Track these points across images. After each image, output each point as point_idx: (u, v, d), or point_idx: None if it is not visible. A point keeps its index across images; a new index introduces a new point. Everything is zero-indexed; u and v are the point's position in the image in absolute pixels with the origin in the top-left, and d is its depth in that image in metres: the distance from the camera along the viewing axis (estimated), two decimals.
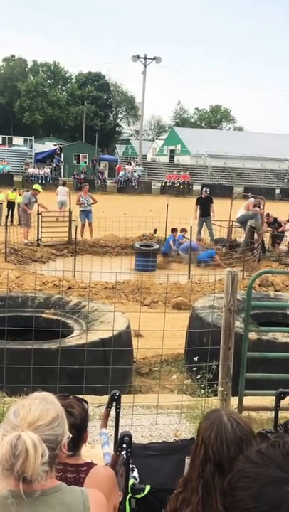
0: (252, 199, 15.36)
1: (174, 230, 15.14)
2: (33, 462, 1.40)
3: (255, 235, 15.58)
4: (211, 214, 17.05)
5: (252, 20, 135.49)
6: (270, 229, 15.76)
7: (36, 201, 15.93)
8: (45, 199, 20.46)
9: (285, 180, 47.88)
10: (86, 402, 2.43)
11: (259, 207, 15.08)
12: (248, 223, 14.81)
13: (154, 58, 45.06)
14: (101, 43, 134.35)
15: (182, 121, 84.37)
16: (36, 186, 16.66)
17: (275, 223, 15.71)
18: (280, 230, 15.52)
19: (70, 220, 15.60)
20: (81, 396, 4.26)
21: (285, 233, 15.46)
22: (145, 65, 45.21)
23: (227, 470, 1.53)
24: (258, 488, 0.95)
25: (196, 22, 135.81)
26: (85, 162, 44.38)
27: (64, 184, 23.08)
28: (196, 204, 17.22)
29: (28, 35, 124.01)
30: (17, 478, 1.42)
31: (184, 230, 15.20)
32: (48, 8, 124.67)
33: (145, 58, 45.00)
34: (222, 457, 1.57)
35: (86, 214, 16.67)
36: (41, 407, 1.52)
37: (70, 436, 1.61)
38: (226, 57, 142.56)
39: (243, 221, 15.28)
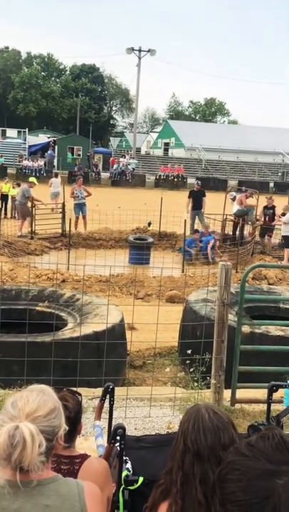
0: (242, 194, 15.50)
1: (196, 232, 14.98)
2: (30, 452, 1.42)
3: (249, 229, 15.63)
4: (203, 207, 17.06)
5: (247, 13, 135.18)
6: (260, 222, 15.76)
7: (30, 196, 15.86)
8: (40, 191, 20.40)
9: (279, 174, 47.91)
10: (80, 394, 2.45)
11: (252, 198, 15.16)
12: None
13: (149, 51, 44.86)
14: (95, 35, 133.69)
15: (176, 114, 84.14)
16: (32, 179, 16.59)
17: (272, 209, 15.69)
18: (273, 223, 15.51)
19: (64, 213, 15.58)
20: (75, 388, 4.29)
21: (278, 226, 15.45)
22: (140, 58, 45.02)
23: (206, 458, 1.58)
24: (248, 481, 0.96)
25: (191, 15, 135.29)
26: (72, 154, 44.12)
27: (57, 175, 23.06)
28: (189, 197, 17.21)
29: (22, 26, 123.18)
30: (14, 468, 1.44)
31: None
32: (42, 0, 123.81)
33: (140, 51, 44.80)
34: (200, 446, 1.61)
35: (80, 207, 16.63)
36: (39, 398, 1.54)
37: (67, 428, 1.63)
38: (221, 50, 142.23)
39: (241, 215, 15.33)
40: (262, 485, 0.94)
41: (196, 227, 16.91)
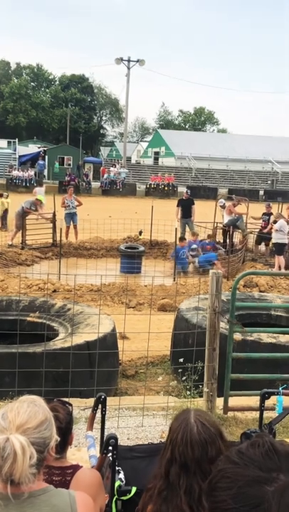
0: (230, 203, 15.61)
1: (182, 240, 14.63)
2: (21, 465, 1.41)
3: (240, 237, 15.70)
4: (192, 216, 17.12)
5: (236, 23, 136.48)
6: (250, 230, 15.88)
7: (36, 210, 15.80)
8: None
9: (269, 182, 48.23)
10: (70, 404, 2.44)
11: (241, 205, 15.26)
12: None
13: (138, 61, 45.10)
14: (84, 46, 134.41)
15: (166, 124, 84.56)
16: (40, 197, 16.45)
17: (268, 215, 15.78)
18: (265, 230, 15.59)
19: (55, 222, 15.55)
20: (67, 399, 4.27)
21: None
22: (129, 68, 45.24)
23: (192, 471, 1.61)
24: (238, 489, 0.96)
25: (179, 24, 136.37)
26: (59, 165, 44.09)
27: (41, 185, 23.25)
28: (178, 206, 17.29)
29: (11, 37, 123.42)
30: (5, 480, 1.43)
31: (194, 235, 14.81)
32: (31, 11, 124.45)
33: (129, 61, 45.03)
34: (187, 458, 1.64)
35: (71, 216, 16.61)
36: (29, 410, 1.53)
37: (58, 439, 1.62)
38: (210, 59, 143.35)
39: (231, 225, 15.41)
40: (252, 492, 0.94)
41: (186, 235, 16.98)
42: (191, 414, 1.73)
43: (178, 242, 13.99)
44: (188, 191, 18.43)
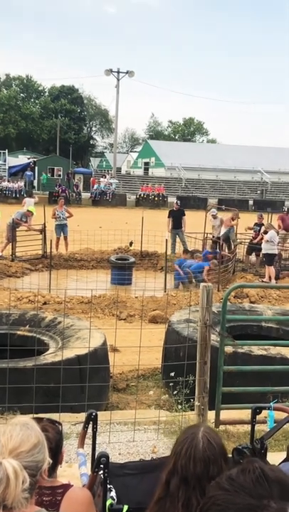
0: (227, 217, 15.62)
1: (186, 252, 14.65)
2: (13, 489, 1.39)
3: (231, 247, 15.75)
4: (183, 226, 17.16)
5: (224, 34, 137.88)
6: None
7: (26, 221, 15.78)
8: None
9: (258, 192, 48.53)
10: (60, 423, 2.42)
11: (233, 219, 15.28)
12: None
13: (127, 72, 45.43)
14: (74, 57, 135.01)
15: (156, 134, 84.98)
16: (31, 208, 16.47)
17: (259, 226, 15.84)
18: (256, 240, 15.64)
19: (45, 234, 15.52)
20: (58, 414, 4.24)
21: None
22: (118, 79, 45.54)
23: (191, 486, 1.61)
24: None
25: (168, 36, 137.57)
26: (47, 175, 44.09)
27: (31, 195, 23.40)
28: (168, 217, 17.34)
29: (0, 48, 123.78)
30: None
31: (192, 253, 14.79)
32: (21, 22, 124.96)
33: (118, 72, 45.34)
34: (188, 473, 1.63)
35: (61, 228, 16.60)
36: (22, 433, 1.52)
37: (51, 461, 1.61)
38: (198, 70, 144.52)
39: (226, 237, 15.49)
40: None
41: (176, 246, 17.01)
42: (200, 430, 1.72)
43: (182, 254, 14.05)
44: (179, 202, 18.48)
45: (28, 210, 15.96)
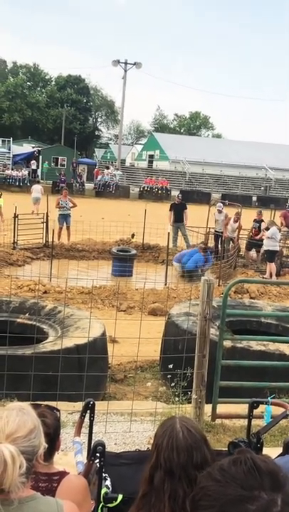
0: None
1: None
2: (11, 474, 1.41)
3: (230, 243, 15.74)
4: (184, 220, 17.12)
5: (232, 28, 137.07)
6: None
7: None
8: (23, 200, 20.38)
9: (262, 188, 48.43)
10: (58, 410, 2.43)
11: (238, 219, 15.22)
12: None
13: (135, 63, 45.22)
14: (81, 47, 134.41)
15: (161, 127, 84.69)
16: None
17: (259, 223, 15.80)
18: (257, 237, 15.62)
19: (47, 223, 15.52)
20: (55, 403, 4.25)
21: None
22: (125, 70, 45.34)
23: (177, 476, 1.62)
24: (220, 507, 0.95)
25: (177, 28, 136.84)
26: (48, 164, 43.96)
27: (38, 182, 24.42)
28: (170, 210, 17.30)
29: (8, 36, 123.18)
30: None
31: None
32: (29, 10, 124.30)
33: (125, 63, 45.13)
34: (172, 464, 1.64)
35: (65, 218, 16.58)
36: (18, 418, 1.53)
37: (46, 446, 1.62)
38: (206, 64, 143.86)
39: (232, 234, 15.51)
40: (234, 511, 0.94)
41: (178, 239, 16.99)
42: (177, 421, 1.74)
43: (187, 248, 14.08)
44: (180, 195, 18.43)
45: None
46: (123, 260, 13.53)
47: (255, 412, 3.13)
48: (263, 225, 15.54)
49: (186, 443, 1.65)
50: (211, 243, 16.56)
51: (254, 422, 3.19)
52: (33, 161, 42.64)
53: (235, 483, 0.97)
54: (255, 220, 16.04)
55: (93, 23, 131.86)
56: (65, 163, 45.05)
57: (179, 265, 13.60)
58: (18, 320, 6.44)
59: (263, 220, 15.83)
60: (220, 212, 16.34)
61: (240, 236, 15.71)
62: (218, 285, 11.48)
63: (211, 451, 1.72)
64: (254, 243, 15.54)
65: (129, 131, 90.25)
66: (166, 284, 12.16)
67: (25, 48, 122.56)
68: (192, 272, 12.98)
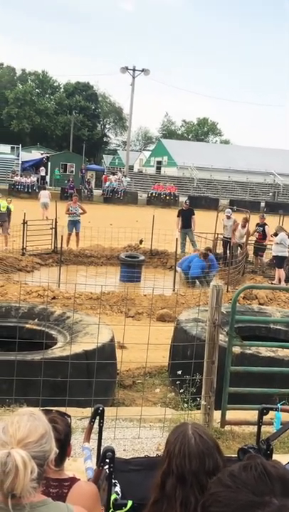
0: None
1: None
2: (22, 479, 1.41)
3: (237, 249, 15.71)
4: (192, 226, 17.12)
5: (240, 35, 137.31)
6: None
7: None
8: (32, 207, 20.49)
9: (270, 194, 48.30)
10: (69, 416, 2.43)
11: (246, 224, 15.20)
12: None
13: (143, 70, 45.38)
14: (90, 54, 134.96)
15: (169, 133, 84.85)
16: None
17: (262, 227, 15.75)
18: (265, 242, 15.58)
19: (56, 229, 15.57)
20: (64, 408, 4.25)
21: (270, 246, 15.52)
22: (133, 77, 45.50)
23: (189, 483, 1.60)
24: None
25: (185, 35, 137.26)
26: (59, 171, 44.17)
27: (45, 188, 25.03)
28: (178, 216, 17.32)
29: (16, 44, 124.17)
30: (6, 494, 1.42)
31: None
32: (38, 18, 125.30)
33: (134, 70, 45.30)
34: (184, 470, 1.63)
35: (74, 224, 16.63)
36: (30, 424, 1.53)
37: (57, 451, 1.62)
38: (214, 70, 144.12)
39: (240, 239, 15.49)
40: None
41: (186, 245, 16.99)
42: (189, 427, 1.73)
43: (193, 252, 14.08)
44: (188, 201, 18.46)
45: None
46: (131, 266, 13.54)
47: (265, 418, 3.12)
48: (267, 229, 15.52)
49: (198, 449, 1.64)
50: (220, 249, 16.54)
51: (264, 428, 3.17)
52: (42, 168, 42.89)
53: (245, 489, 0.97)
54: (258, 224, 15.99)
55: (101, 30, 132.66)
56: (74, 169, 45.22)
57: (180, 270, 13.59)
58: (27, 326, 6.46)
59: (266, 224, 15.79)
60: (228, 218, 16.33)
61: (248, 242, 15.68)
62: (227, 291, 11.45)
63: (223, 458, 1.71)
64: (259, 247, 15.49)
65: (137, 137, 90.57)
66: (174, 290, 12.15)
67: (34, 55, 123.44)
68: (197, 277, 12.96)
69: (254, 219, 16.27)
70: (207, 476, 1.59)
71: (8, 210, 18.37)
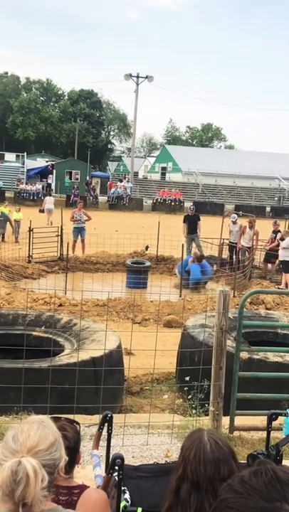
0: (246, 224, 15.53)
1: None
2: (33, 488, 1.40)
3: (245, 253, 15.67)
4: (198, 231, 17.10)
5: (243, 40, 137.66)
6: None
7: None
8: (37, 214, 20.62)
9: (276, 199, 48.24)
10: (78, 423, 2.43)
11: (253, 225, 15.17)
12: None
13: (147, 77, 45.54)
14: (94, 61, 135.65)
15: (174, 139, 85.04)
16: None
17: (276, 233, 15.70)
18: (268, 247, 15.53)
19: (62, 236, 15.60)
20: (72, 415, 4.25)
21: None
22: (137, 84, 45.67)
23: (203, 489, 1.59)
24: None
25: (188, 41, 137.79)
26: (70, 179, 44.39)
27: (50, 194, 28.09)
28: (184, 222, 17.31)
29: (21, 52, 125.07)
30: (17, 503, 1.42)
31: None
32: (41, 26, 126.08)
33: (137, 77, 45.47)
34: (199, 476, 1.61)
35: (79, 231, 16.67)
36: (39, 432, 1.53)
37: (67, 459, 1.62)
38: (217, 76, 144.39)
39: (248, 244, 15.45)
40: None
41: (193, 251, 16.96)
42: (204, 433, 1.72)
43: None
44: (193, 207, 18.44)
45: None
46: (137, 272, 13.54)
47: (274, 424, 3.10)
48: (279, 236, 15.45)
49: (213, 456, 1.63)
50: (226, 254, 16.51)
51: (273, 434, 3.15)
52: (50, 176, 43.11)
53: (256, 495, 0.96)
54: (274, 231, 15.93)
55: (105, 38, 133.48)
56: (79, 176, 45.36)
57: (178, 273, 13.63)
58: (34, 333, 6.47)
59: (279, 231, 15.74)
60: (234, 223, 16.31)
61: (257, 246, 15.64)
62: (233, 296, 11.42)
63: (238, 465, 1.70)
64: (271, 254, 15.42)
65: (142, 144, 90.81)
66: (181, 296, 12.13)
67: (38, 63, 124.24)
68: (199, 281, 13.04)
69: (260, 224, 16.24)
70: (222, 482, 1.57)
71: (4, 215, 18.67)
